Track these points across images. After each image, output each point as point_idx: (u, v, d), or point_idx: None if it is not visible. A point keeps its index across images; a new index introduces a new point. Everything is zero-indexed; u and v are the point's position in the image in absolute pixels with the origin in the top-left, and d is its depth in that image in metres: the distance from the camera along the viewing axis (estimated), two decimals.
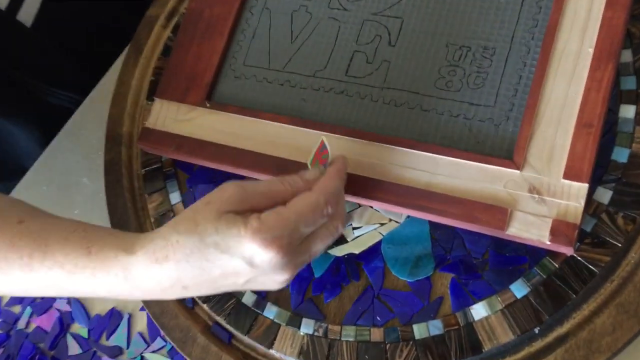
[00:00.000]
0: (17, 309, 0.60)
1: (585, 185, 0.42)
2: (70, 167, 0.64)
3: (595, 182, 0.45)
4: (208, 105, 0.54)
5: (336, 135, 0.49)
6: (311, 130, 0.50)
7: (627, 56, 0.47)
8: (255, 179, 0.49)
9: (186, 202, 0.55)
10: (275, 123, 0.51)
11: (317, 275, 0.49)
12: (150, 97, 0.60)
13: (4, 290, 0.45)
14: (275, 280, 0.41)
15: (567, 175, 0.43)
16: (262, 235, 0.38)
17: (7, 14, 0.63)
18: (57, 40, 0.69)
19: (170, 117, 0.55)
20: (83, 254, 0.42)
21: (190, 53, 0.57)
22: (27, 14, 0.66)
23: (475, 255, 0.46)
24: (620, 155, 0.45)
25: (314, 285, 0.49)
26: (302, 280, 0.49)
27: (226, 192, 0.40)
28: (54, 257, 0.42)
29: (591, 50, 0.45)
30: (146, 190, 0.57)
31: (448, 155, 0.46)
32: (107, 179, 0.59)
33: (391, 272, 0.47)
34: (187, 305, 0.52)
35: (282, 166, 0.50)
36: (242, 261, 0.38)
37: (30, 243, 0.43)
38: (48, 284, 0.43)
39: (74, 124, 0.66)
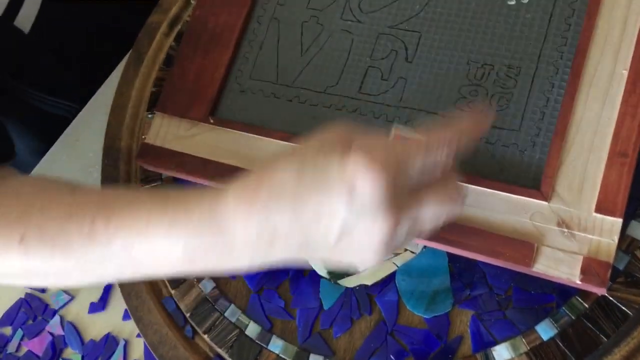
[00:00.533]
0: (7, 330, 0.57)
1: (619, 221, 0.39)
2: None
3: (629, 215, 0.41)
4: (211, 121, 0.51)
5: None
6: None
7: None
8: None
9: None
10: (283, 142, 0.48)
11: (326, 307, 0.46)
12: (151, 109, 0.57)
13: (57, 275, 0.39)
14: (375, 231, 0.33)
15: (599, 209, 0.40)
16: (368, 156, 0.32)
17: (4, 20, 0.60)
18: (55, 45, 0.66)
19: (172, 132, 0.52)
20: (157, 207, 0.36)
21: (194, 65, 0.53)
22: (25, 19, 0.63)
23: (498, 292, 0.43)
24: None
25: (323, 318, 0.46)
26: (309, 312, 0.46)
27: (329, 130, 0.34)
28: (121, 219, 0.37)
29: (625, 72, 0.41)
30: None
31: (469, 183, 0.43)
32: None
33: (406, 307, 0.44)
34: (187, 335, 0.49)
35: None
36: (341, 187, 0.32)
37: (90, 211, 0.37)
38: (110, 256, 0.37)
39: (70, 134, 0.63)
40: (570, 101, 0.42)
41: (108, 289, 0.56)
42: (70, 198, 0.39)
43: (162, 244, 0.36)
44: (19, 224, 0.39)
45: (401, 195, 0.33)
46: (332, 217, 0.33)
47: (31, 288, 0.57)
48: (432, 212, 0.34)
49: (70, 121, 0.63)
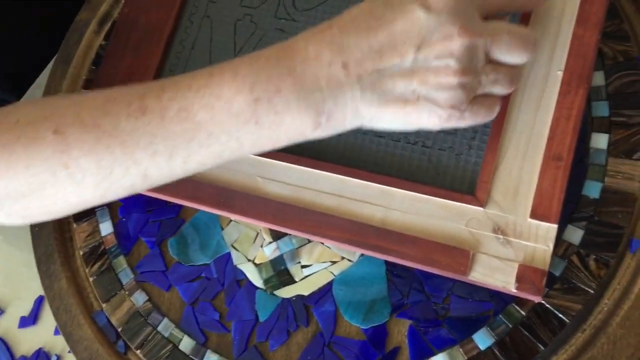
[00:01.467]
0: None
1: (554, 227, 0.38)
2: None
3: (565, 219, 0.41)
4: None
5: (283, 163, 0.44)
6: (257, 158, 0.45)
7: (599, 79, 0.43)
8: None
9: (118, 233, 0.50)
10: None
11: (261, 319, 0.44)
12: None
13: (97, 173, 0.34)
14: (452, 45, 0.32)
15: (534, 215, 0.39)
16: None
17: None
18: None
19: None
20: (217, 66, 0.34)
21: (123, 65, 0.51)
22: None
23: (436, 300, 0.42)
24: (592, 190, 0.41)
25: (259, 331, 0.44)
26: (245, 325, 0.45)
27: None
28: (175, 85, 0.33)
29: (560, 73, 0.40)
30: (74, 217, 0.51)
31: (405, 189, 0.41)
32: None
33: (343, 317, 0.43)
34: (119, 350, 0.47)
35: (224, 196, 0.44)
36: (414, 4, 0.32)
37: (135, 91, 0.34)
38: (162, 131, 0.33)
39: None
40: (505, 104, 0.41)
41: (39, 302, 0.54)
42: (107, 90, 0.35)
43: (227, 94, 0.33)
44: (48, 120, 0.34)
45: (475, 16, 0.32)
46: (407, 33, 0.32)
47: None
48: (505, 47, 0.33)
49: None
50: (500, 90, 0.35)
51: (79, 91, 0.36)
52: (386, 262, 0.43)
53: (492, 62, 0.34)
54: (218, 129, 0.33)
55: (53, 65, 0.57)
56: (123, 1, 0.54)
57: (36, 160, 0.34)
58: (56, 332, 0.52)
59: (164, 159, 0.34)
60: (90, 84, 0.55)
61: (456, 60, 0.32)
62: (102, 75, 0.51)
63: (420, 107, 0.33)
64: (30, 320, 0.53)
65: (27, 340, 0.53)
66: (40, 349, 0.52)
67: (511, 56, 0.34)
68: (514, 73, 0.35)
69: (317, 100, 0.33)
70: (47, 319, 0.53)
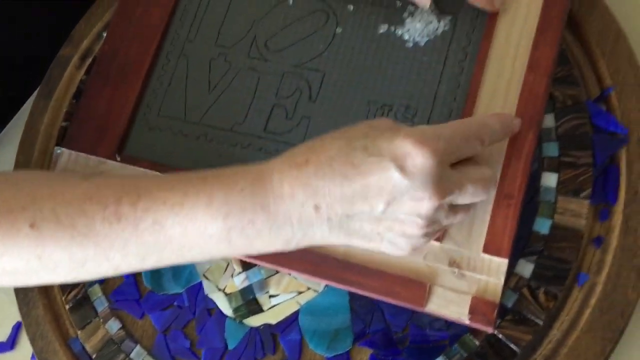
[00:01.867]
0: None
1: (505, 261, 0.40)
2: None
3: (517, 254, 0.43)
4: (118, 159, 0.51)
5: None
6: None
7: (549, 121, 0.45)
8: None
9: None
10: None
11: (230, 347, 0.46)
12: (60, 144, 0.56)
13: (70, 266, 0.37)
14: (418, 210, 0.35)
15: (486, 250, 0.41)
16: (416, 135, 0.34)
17: None
18: None
19: (79, 168, 0.51)
20: (195, 182, 0.36)
21: (102, 99, 0.53)
22: None
23: (396, 329, 0.44)
24: (542, 226, 0.43)
25: (228, 359, 0.46)
26: (214, 352, 0.46)
27: (375, 120, 0.37)
28: (151, 197, 0.35)
29: None
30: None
31: None
32: None
33: (309, 346, 0.45)
34: None
35: None
36: (391, 164, 0.34)
37: (113, 191, 0.36)
38: (135, 238, 0.35)
39: None
40: None
41: (17, 327, 0.55)
42: (85, 183, 0.37)
43: (201, 219, 0.35)
44: (26, 212, 0.36)
45: (446, 167, 0.35)
46: (379, 193, 0.34)
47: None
48: (470, 189, 0.36)
49: None
50: (457, 223, 0.39)
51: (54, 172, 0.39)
52: (349, 292, 0.45)
53: (453, 207, 0.37)
54: (190, 244, 0.36)
55: (35, 98, 0.59)
56: (104, 38, 0.56)
57: (11, 249, 0.37)
58: (33, 358, 0.53)
59: (136, 260, 0.37)
60: (70, 117, 0.57)
61: (423, 218, 0.35)
62: (82, 108, 0.53)
63: (383, 246, 0.37)
64: (7, 345, 0.54)
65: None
66: None
67: (472, 201, 0.37)
68: (470, 211, 0.39)
69: (287, 232, 0.36)
70: (25, 344, 0.54)
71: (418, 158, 0.34)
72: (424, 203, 0.34)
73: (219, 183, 0.36)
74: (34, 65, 0.61)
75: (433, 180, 0.34)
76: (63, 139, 0.54)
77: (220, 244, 0.36)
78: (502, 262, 0.41)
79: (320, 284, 0.46)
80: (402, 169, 0.34)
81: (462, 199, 0.37)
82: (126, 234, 0.36)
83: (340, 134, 0.36)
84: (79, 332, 0.50)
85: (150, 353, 0.48)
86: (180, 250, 0.36)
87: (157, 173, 0.48)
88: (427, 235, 0.37)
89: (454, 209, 0.37)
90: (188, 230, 0.35)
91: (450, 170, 0.36)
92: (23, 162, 0.56)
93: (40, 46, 0.62)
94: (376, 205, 0.34)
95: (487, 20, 0.46)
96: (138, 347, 0.48)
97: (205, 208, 0.35)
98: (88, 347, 0.49)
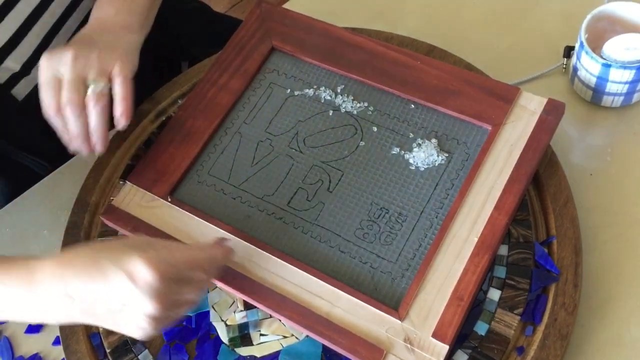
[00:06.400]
0: None
1: (446, 347, 0.52)
2: (35, 218, 0.72)
3: (457, 345, 0.55)
4: (169, 200, 0.64)
5: (265, 253, 0.59)
6: (247, 244, 0.60)
7: (503, 250, 0.58)
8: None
9: None
10: (221, 230, 0.61)
11: None
12: (123, 177, 0.69)
13: None
14: (145, 312, 0.47)
15: (435, 335, 0.53)
16: (150, 257, 0.47)
17: (2, 87, 0.73)
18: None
19: (135, 201, 0.65)
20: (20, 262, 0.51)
21: (167, 152, 0.67)
22: (22, 90, 0.75)
23: None
24: (481, 328, 0.55)
25: None
26: None
27: (126, 238, 0.52)
28: None
29: (475, 239, 0.56)
30: None
31: (350, 294, 0.56)
32: (65, 237, 0.67)
33: None
34: None
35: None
36: (125, 275, 0.47)
37: None
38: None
39: (49, 181, 0.74)
40: (434, 251, 0.56)
41: None
42: None
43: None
44: None
45: (170, 285, 0.48)
46: (118, 293, 0.48)
47: None
48: (188, 298, 0.50)
49: (39, 174, 0.75)
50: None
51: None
52: (323, 345, 0.57)
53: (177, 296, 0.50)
54: None
55: (112, 138, 0.72)
56: (180, 105, 0.71)
57: None
58: (55, 343, 0.64)
59: None
60: (136, 158, 0.70)
61: (147, 320, 0.48)
62: (149, 155, 0.67)
63: (124, 330, 0.50)
64: (36, 328, 0.66)
65: (28, 344, 0.65)
66: (37, 353, 0.64)
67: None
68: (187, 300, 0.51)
69: (51, 313, 0.51)
70: (51, 330, 0.65)
71: (146, 274, 0.47)
72: (147, 311, 0.47)
73: (9, 266, 0.51)
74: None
75: (155, 293, 0.47)
76: (127, 174, 0.68)
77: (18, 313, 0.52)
78: (444, 347, 0.53)
79: (302, 334, 0.58)
80: (133, 279, 0.47)
81: (186, 299, 0.50)
82: None
83: (99, 247, 0.51)
84: (101, 329, 0.61)
85: (155, 358, 0.59)
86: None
87: (197, 218, 0.62)
88: (153, 324, 0.49)
89: (177, 303, 0.50)
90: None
91: (172, 282, 0.48)
92: (91, 183, 0.70)
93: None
94: (114, 304, 0.48)
95: (473, 165, 0.60)
96: (146, 351, 0.59)
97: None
98: (105, 343, 0.60)
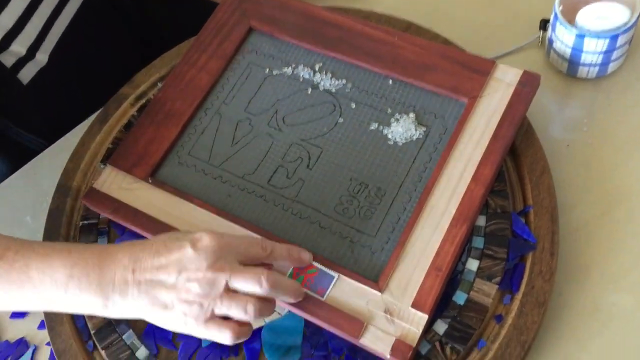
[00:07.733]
0: None
1: (425, 316, 0.53)
2: (18, 204, 0.72)
3: (436, 314, 0.56)
4: (150, 181, 0.64)
5: (247, 232, 0.59)
6: (229, 223, 0.60)
7: (481, 221, 0.59)
8: None
9: None
10: (202, 209, 0.61)
11: (203, 345, 0.58)
12: (104, 161, 0.69)
13: None
14: (199, 275, 0.48)
15: (414, 305, 0.54)
16: (216, 233, 0.50)
17: (9, 72, 0.74)
18: (50, 97, 0.78)
19: (116, 183, 0.65)
20: (61, 246, 0.51)
21: (147, 134, 0.67)
22: (27, 74, 0.76)
23: (334, 355, 0.56)
24: (460, 298, 0.56)
25: (199, 353, 0.58)
26: (189, 347, 0.58)
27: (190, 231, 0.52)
28: (29, 247, 0.51)
29: (453, 211, 0.57)
30: (80, 240, 0.65)
31: (330, 268, 0.56)
32: (48, 223, 0.67)
33: (264, 355, 0.57)
34: (88, 348, 0.60)
35: None
36: (188, 243, 0.49)
37: (6, 241, 0.51)
38: (10, 275, 0.50)
39: (32, 166, 0.75)
40: (412, 223, 0.57)
41: None
42: None
43: (55, 264, 0.50)
44: None
45: (223, 258, 0.49)
46: (177, 261, 0.49)
47: None
48: (240, 284, 0.49)
49: (36, 153, 0.75)
50: (236, 314, 0.49)
51: None
52: (305, 320, 0.58)
53: (230, 292, 0.49)
54: (42, 286, 0.50)
55: (92, 122, 0.73)
56: (159, 87, 0.71)
57: None
58: (39, 327, 0.65)
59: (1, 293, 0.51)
60: (117, 142, 0.71)
61: (199, 285, 0.48)
62: (130, 137, 0.67)
63: (174, 313, 0.49)
64: (21, 313, 0.66)
65: (14, 329, 0.65)
66: (22, 337, 0.64)
67: (244, 288, 0.49)
68: (249, 306, 0.49)
69: (109, 290, 0.50)
70: (36, 315, 0.65)
71: (205, 240, 0.49)
72: (200, 272, 0.48)
73: (76, 248, 0.51)
74: (95, 96, 0.75)
75: (215, 255, 0.49)
76: (107, 158, 0.68)
77: (59, 291, 0.50)
78: (423, 317, 0.53)
79: (284, 309, 0.59)
80: (193, 245, 0.49)
81: (237, 283, 0.49)
82: (1, 270, 0.50)
83: (166, 235, 0.52)
84: None
85: (139, 337, 0.59)
86: (34, 289, 0.51)
87: (178, 198, 0.62)
88: (202, 307, 0.48)
89: (229, 294, 0.49)
90: (44, 274, 0.50)
91: (232, 257, 0.50)
92: (72, 168, 0.70)
93: (108, 80, 0.77)
94: (170, 274, 0.49)
95: (451, 138, 0.60)
96: (130, 331, 0.60)
97: (60, 258, 0.51)
98: (90, 324, 0.61)
